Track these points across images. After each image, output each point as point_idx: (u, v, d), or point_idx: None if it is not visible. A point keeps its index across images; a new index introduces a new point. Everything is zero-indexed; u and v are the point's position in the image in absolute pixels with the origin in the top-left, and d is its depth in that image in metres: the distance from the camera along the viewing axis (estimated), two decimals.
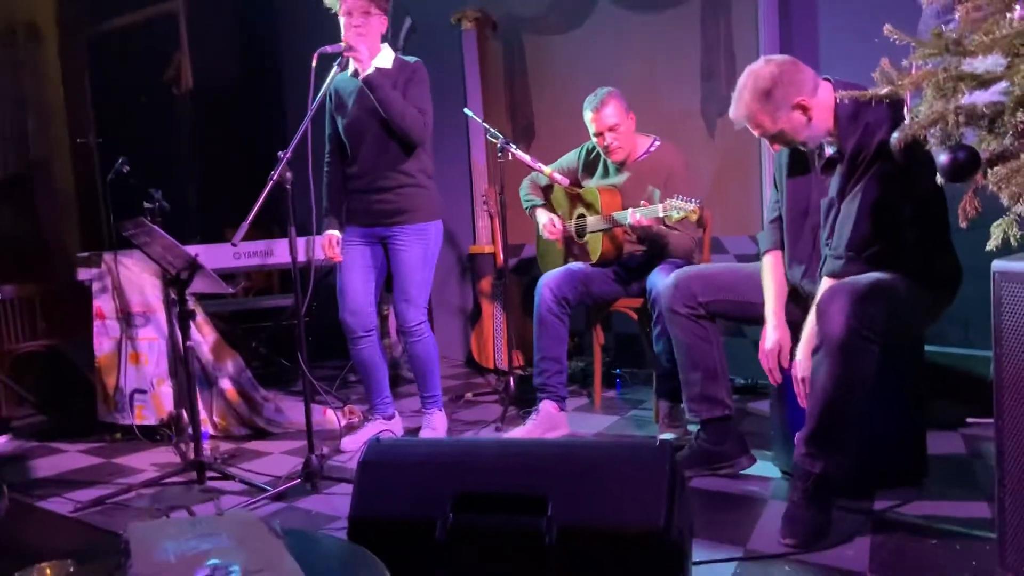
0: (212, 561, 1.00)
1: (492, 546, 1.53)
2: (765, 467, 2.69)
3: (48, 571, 1.05)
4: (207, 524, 1.16)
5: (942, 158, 1.67)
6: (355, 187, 3.22)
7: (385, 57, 3.16)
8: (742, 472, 2.65)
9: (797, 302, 2.50)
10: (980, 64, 1.63)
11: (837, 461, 2.12)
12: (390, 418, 3.37)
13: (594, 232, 3.39)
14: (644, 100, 3.94)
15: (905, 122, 1.83)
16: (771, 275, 2.54)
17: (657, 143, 3.43)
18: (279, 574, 1.00)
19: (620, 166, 3.44)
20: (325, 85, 2.81)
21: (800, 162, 2.48)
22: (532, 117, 4.85)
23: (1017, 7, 1.61)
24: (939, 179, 1.72)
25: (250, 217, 2.53)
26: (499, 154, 3.56)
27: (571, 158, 3.63)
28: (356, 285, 3.24)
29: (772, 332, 2.46)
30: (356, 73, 3.14)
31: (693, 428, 2.92)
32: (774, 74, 2.23)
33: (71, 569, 1.07)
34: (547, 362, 3.30)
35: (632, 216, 3.08)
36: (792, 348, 2.41)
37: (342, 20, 3.04)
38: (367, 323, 3.26)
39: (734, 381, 3.81)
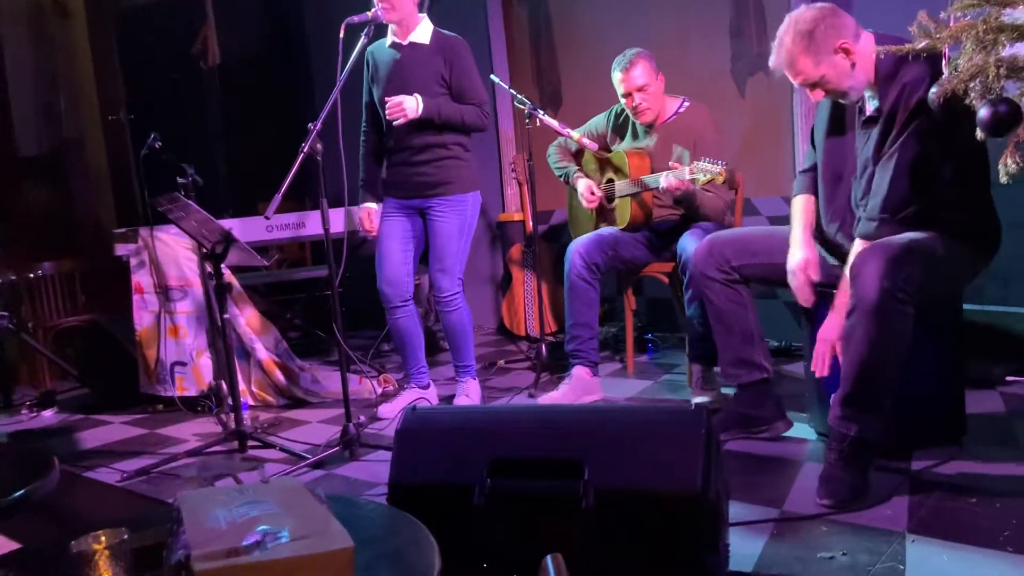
0: (262, 527, 1.03)
1: (529, 510, 1.55)
2: (801, 429, 2.69)
3: (103, 538, 1.09)
4: (254, 491, 1.19)
5: (982, 112, 1.64)
6: (393, 160, 3.23)
7: (423, 31, 3.15)
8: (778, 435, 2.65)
9: (833, 254, 2.49)
10: (1021, 15, 1.59)
11: (873, 423, 2.11)
12: (426, 387, 3.40)
13: (623, 196, 3.36)
14: (673, 60, 3.88)
15: (944, 76, 1.79)
16: (801, 209, 2.54)
17: (687, 104, 3.38)
18: (327, 537, 1.02)
19: (649, 128, 3.40)
20: (353, 55, 2.81)
21: (839, 121, 2.43)
22: (559, 82, 4.80)
23: None
24: (979, 134, 1.69)
25: (282, 190, 2.55)
26: (527, 120, 3.54)
27: (599, 122, 3.60)
28: (394, 255, 3.26)
29: (798, 250, 2.43)
30: (394, 44, 3.15)
31: (726, 391, 2.93)
32: (815, 16, 2.19)
33: (125, 537, 1.10)
34: (579, 328, 3.30)
35: (664, 180, 3.05)
36: (820, 266, 2.42)
37: None
38: (404, 293, 3.28)
39: (768, 343, 3.79)
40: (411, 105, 3.01)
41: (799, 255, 2.43)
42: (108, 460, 3.00)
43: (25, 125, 5.06)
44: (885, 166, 2.20)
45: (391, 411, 3.27)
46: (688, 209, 3.24)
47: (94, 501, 2.68)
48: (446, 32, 3.19)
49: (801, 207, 2.55)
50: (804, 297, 2.43)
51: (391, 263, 3.26)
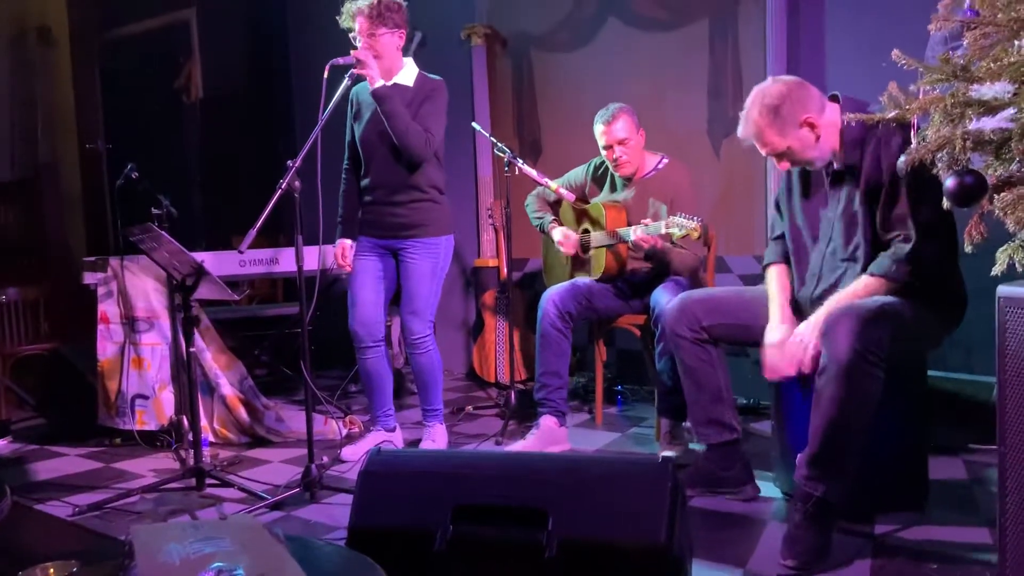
0: (216, 564, 1.00)
1: (492, 558, 1.52)
2: (766, 488, 2.68)
3: (52, 571, 1.05)
4: (210, 528, 1.16)
5: (949, 182, 1.68)
6: (369, 199, 3.24)
7: (407, 74, 3.18)
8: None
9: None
10: (988, 91, 1.64)
11: (838, 484, 2.11)
12: (392, 430, 3.36)
13: (598, 247, 3.39)
14: (651, 118, 3.95)
15: (912, 145, 1.84)
16: (776, 281, 2.56)
17: (665, 161, 3.44)
18: None
19: (627, 182, 3.45)
20: (336, 96, 2.83)
21: (809, 185, 2.49)
22: (539, 133, 4.87)
23: None
24: (945, 203, 1.73)
25: (257, 225, 2.54)
26: (506, 168, 3.57)
27: (578, 173, 3.65)
28: (367, 295, 3.25)
29: (777, 327, 2.40)
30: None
31: (694, 447, 2.92)
32: (782, 91, 2.27)
33: (74, 569, 1.07)
34: (548, 376, 3.29)
35: (634, 233, 3.09)
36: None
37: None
38: (376, 333, 3.26)
39: (736, 401, 3.80)
40: (375, 68, 3.01)
41: (778, 333, 2.40)
42: (61, 493, 2.91)
43: (0, 148, 5.02)
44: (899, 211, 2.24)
45: (355, 454, 3.21)
46: (658, 264, 3.28)
47: (45, 534, 2.59)
48: (430, 75, 3.22)
49: (776, 279, 2.57)
50: (771, 374, 2.39)
51: (364, 303, 3.24)
